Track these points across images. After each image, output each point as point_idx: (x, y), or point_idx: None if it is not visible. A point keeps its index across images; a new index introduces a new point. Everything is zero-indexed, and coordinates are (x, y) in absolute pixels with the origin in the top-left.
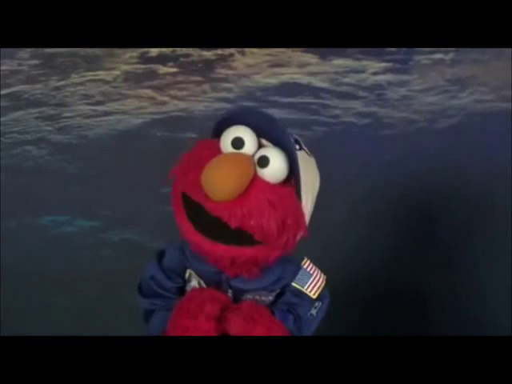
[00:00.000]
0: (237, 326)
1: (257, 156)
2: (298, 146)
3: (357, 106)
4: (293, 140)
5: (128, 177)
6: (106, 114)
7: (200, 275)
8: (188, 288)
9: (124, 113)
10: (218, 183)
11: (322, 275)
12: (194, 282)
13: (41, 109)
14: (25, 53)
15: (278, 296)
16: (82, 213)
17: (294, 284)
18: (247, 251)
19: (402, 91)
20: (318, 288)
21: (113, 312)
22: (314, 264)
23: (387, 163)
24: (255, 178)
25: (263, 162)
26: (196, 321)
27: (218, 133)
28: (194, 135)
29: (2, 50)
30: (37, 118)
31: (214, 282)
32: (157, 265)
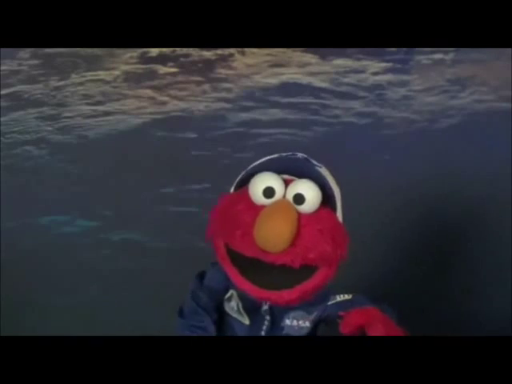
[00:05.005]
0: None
1: (290, 195)
2: (316, 163)
3: (357, 106)
4: (315, 165)
5: (128, 177)
6: (106, 114)
7: (241, 297)
8: (226, 307)
9: (124, 113)
10: (275, 239)
11: None
12: (234, 303)
13: (41, 109)
14: (25, 53)
15: (315, 327)
16: (82, 213)
17: (338, 298)
18: (310, 284)
19: (402, 91)
20: None
21: (113, 312)
22: None
23: (387, 163)
24: (298, 215)
25: (299, 199)
26: None
27: (241, 183)
28: (193, 135)
29: (2, 50)
30: (37, 118)
31: (254, 306)
32: (197, 282)
